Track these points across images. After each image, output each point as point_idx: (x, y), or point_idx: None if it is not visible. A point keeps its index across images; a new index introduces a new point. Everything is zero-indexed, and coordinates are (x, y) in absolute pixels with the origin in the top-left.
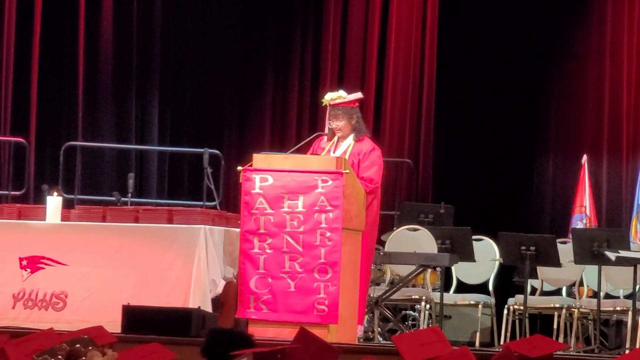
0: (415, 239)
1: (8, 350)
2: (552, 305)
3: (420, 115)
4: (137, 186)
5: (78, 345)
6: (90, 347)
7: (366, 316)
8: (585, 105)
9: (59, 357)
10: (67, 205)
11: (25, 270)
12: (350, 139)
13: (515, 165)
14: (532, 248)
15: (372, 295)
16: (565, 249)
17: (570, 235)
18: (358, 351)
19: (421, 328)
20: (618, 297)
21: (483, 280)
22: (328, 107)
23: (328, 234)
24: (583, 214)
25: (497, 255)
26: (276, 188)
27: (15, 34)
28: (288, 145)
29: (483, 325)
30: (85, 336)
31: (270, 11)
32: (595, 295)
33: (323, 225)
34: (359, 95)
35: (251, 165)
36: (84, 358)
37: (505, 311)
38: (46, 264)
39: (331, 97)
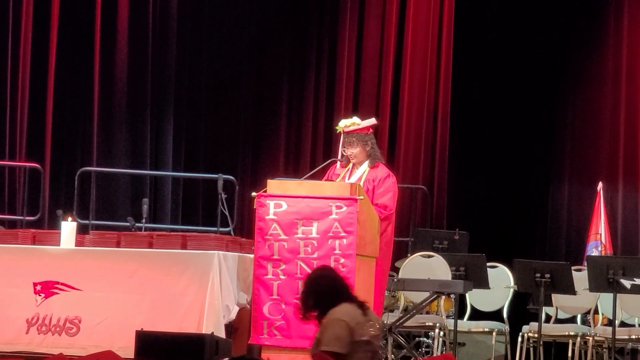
0: (429, 266)
1: None
2: (566, 333)
3: (435, 142)
4: (151, 212)
5: None
6: None
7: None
8: (601, 131)
9: None
10: (82, 230)
11: (39, 295)
12: (365, 166)
13: (530, 192)
14: (547, 275)
15: (385, 321)
16: (580, 277)
17: (586, 263)
18: None
19: (435, 355)
20: (633, 326)
21: (497, 308)
22: (342, 134)
23: (342, 260)
24: (598, 241)
25: (512, 283)
26: (290, 214)
27: (31, 59)
28: (302, 171)
29: (497, 352)
30: None
31: (285, 37)
32: (610, 323)
33: (337, 251)
34: (373, 121)
35: (265, 191)
36: None
37: (520, 339)
38: (60, 289)
39: (345, 124)
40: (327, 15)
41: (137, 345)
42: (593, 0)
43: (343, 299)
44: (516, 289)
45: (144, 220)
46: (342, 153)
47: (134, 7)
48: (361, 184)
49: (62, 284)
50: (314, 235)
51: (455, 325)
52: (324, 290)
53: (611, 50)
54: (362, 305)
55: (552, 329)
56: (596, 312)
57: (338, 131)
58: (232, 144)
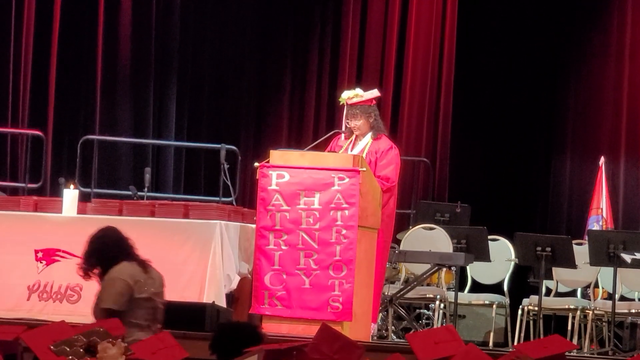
0: (430, 238)
1: (26, 340)
2: (566, 307)
3: (437, 115)
4: (153, 181)
5: (94, 338)
6: (107, 340)
7: (380, 314)
8: (604, 106)
9: (78, 348)
10: (84, 198)
11: (41, 263)
12: (368, 137)
13: (532, 165)
14: (548, 249)
15: (386, 293)
16: (581, 251)
17: (586, 237)
18: (372, 349)
19: (435, 327)
20: (633, 300)
21: (498, 280)
22: (345, 106)
23: (344, 231)
24: (599, 215)
25: (513, 256)
26: (292, 185)
27: (35, 27)
28: (305, 142)
29: (497, 325)
30: (101, 329)
31: (290, 8)
32: (610, 297)
33: (339, 222)
34: (376, 93)
35: (268, 162)
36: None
37: (520, 312)
38: (62, 257)
39: (348, 95)
40: None
41: None
42: None
43: (124, 257)
44: (517, 262)
45: (146, 189)
46: (345, 125)
47: None
48: (364, 155)
49: (64, 251)
50: (316, 206)
51: (456, 297)
52: (105, 249)
53: (615, 25)
54: (143, 264)
55: (552, 302)
56: (596, 286)
57: (341, 103)
58: (235, 114)
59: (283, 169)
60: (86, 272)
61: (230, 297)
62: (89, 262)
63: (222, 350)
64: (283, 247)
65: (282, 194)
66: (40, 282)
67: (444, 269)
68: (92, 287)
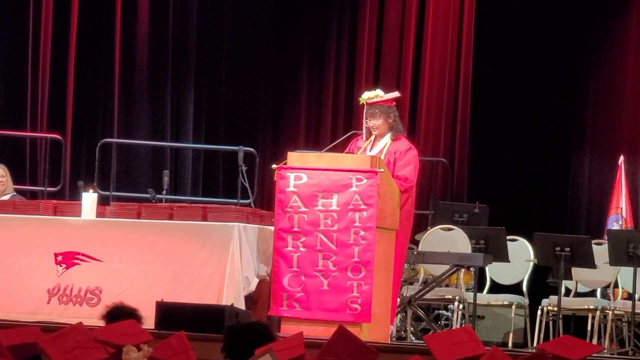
0: (449, 239)
1: (45, 347)
2: (586, 307)
3: (455, 115)
4: (172, 183)
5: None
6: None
7: (399, 315)
8: (623, 105)
9: None
10: (103, 201)
11: (61, 266)
12: (387, 138)
13: (551, 165)
14: (567, 249)
15: (405, 294)
16: (600, 250)
17: (606, 237)
18: (391, 350)
19: (454, 328)
20: None
21: (517, 281)
22: (365, 106)
23: (362, 232)
24: (619, 215)
25: (532, 256)
26: (310, 186)
27: (52, 31)
28: (323, 144)
29: (516, 326)
30: None
31: (306, 10)
32: (630, 297)
33: (357, 224)
34: (396, 94)
35: (286, 164)
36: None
37: (539, 312)
38: (81, 260)
39: (368, 96)
40: None
41: (158, 316)
42: None
43: None
44: (536, 262)
45: (164, 191)
46: (365, 125)
47: None
48: (382, 156)
49: (83, 254)
50: (334, 207)
51: (475, 298)
52: None
53: (634, 21)
54: None
55: (571, 303)
56: (616, 286)
57: (361, 103)
58: (252, 116)
59: (301, 170)
60: None
61: (249, 299)
62: None
63: (233, 352)
64: (301, 249)
65: (300, 195)
66: (60, 286)
67: (463, 270)
68: (111, 290)
